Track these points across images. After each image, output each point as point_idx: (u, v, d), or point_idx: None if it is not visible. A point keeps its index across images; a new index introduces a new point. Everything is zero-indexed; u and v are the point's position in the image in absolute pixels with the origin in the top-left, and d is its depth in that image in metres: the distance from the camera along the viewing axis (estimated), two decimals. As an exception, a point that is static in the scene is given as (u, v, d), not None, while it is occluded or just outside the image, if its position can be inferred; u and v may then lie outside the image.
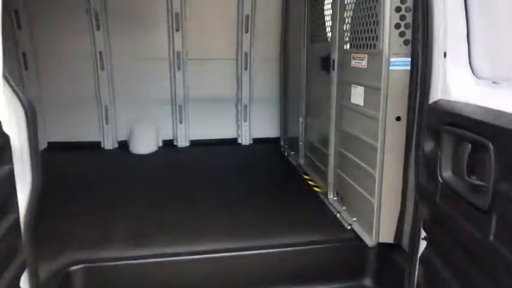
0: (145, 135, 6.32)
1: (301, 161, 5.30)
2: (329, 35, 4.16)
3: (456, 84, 2.27)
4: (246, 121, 6.62)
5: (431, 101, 2.58)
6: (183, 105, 6.38)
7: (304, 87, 5.05)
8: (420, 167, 2.40)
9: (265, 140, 6.68)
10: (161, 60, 6.17)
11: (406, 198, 3.03)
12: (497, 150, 1.66)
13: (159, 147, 6.39)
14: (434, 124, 2.25)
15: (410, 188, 2.95)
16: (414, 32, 2.71)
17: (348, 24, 3.59)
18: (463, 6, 2.18)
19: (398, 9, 2.77)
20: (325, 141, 4.35)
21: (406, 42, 2.79)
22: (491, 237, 1.69)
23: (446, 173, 2.12)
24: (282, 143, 6.38)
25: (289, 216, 3.89)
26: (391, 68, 2.84)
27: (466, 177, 1.85)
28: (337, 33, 3.79)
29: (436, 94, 2.48)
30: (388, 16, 2.79)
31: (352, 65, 3.51)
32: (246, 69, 6.36)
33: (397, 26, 2.79)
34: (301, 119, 5.19)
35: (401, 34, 2.79)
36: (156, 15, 5.97)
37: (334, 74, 3.90)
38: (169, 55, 6.14)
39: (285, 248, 3.38)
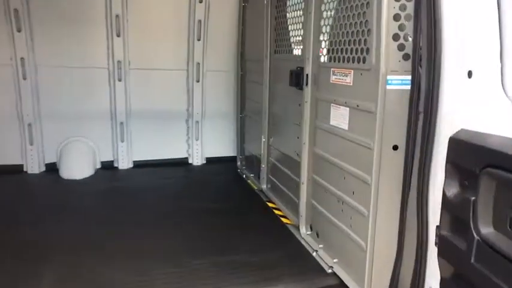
0: (79, 157, 5.38)
1: (264, 186, 4.71)
2: (299, 46, 3.64)
3: (485, 110, 1.81)
4: (197, 139, 5.92)
5: (440, 127, 2.14)
6: (124, 122, 5.54)
7: (266, 104, 4.49)
8: (443, 213, 1.90)
9: (220, 160, 6.02)
10: (98, 69, 5.30)
11: (403, 242, 2.54)
12: None
13: (97, 171, 5.48)
14: (464, 163, 1.76)
15: (408, 232, 2.47)
16: (415, 45, 2.24)
17: (325, 34, 3.08)
18: (497, 15, 1.73)
19: (397, 18, 2.30)
20: (294, 166, 3.81)
21: (405, 57, 2.31)
22: None
23: (486, 229, 1.63)
24: (238, 163, 5.76)
25: (254, 256, 3.28)
26: (388, 87, 2.35)
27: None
28: (311, 44, 3.28)
29: (452, 121, 2.03)
30: (384, 25, 2.30)
31: (331, 81, 3.00)
32: (197, 81, 5.68)
33: (396, 37, 2.31)
34: (263, 139, 4.62)
35: (401, 47, 2.32)
36: (92, 16, 5.10)
37: (308, 90, 3.37)
38: (108, 64, 5.29)
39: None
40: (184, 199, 4.60)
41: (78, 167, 5.30)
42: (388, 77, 2.33)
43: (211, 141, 5.98)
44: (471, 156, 1.71)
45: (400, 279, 2.62)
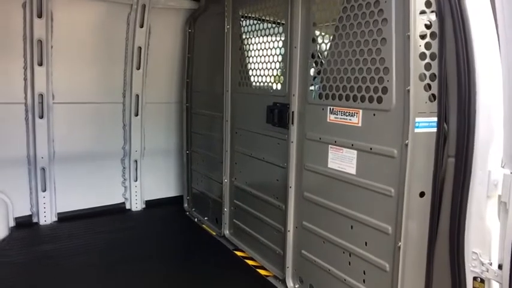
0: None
1: (227, 232, 4.23)
2: (277, 79, 3.34)
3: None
4: (136, 180, 5.19)
5: (476, 171, 2.01)
6: (47, 167, 4.59)
7: (228, 140, 4.07)
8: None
9: (163, 202, 5.35)
10: (12, 104, 4.33)
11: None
12: None
13: (11, 230, 4.39)
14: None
15: (437, 284, 2.28)
16: (441, 84, 2.11)
17: (318, 68, 2.82)
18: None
19: (422, 57, 2.13)
20: (273, 211, 3.44)
21: (432, 98, 2.15)
22: None
23: None
24: (186, 204, 5.17)
25: None
26: (416, 130, 2.16)
27: None
28: (297, 79, 3.00)
29: (494, 164, 1.92)
30: (413, 65, 2.12)
31: (329, 121, 2.74)
32: (136, 115, 5.00)
33: (422, 77, 2.14)
34: (225, 180, 4.16)
35: (427, 88, 2.15)
36: (6, 41, 4.15)
37: (294, 129, 3.07)
38: (25, 98, 4.34)
39: None
40: (127, 258, 3.76)
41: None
42: (416, 120, 2.15)
43: (152, 182, 5.29)
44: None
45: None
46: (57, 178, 4.69)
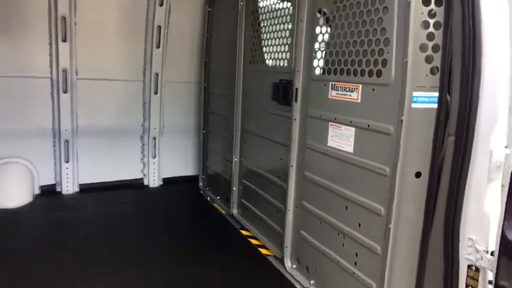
0: (12, 182, 4.52)
1: (235, 211, 4.23)
2: (283, 55, 3.26)
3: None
4: (154, 157, 5.30)
5: (477, 151, 1.86)
6: (70, 139, 4.79)
7: (239, 119, 4.05)
8: (502, 260, 1.57)
9: (179, 180, 5.43)
10: (39, 79, 4.53)
11: (423, 284, 2.20)
12: None
13: (35, 197, 4.64)
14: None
15: (428, 273, 2.15)
16: (445, 56, 1.95)
17: (322, 43, 2.73)
18: None
19: (425, 25, 1.99)
20: (276, 191, 3.40)
21: (433, 71, 2.01)
22: None
23: None
24: (201, 183, 5.22)
25: None
26: (413, 105, 2.03)
27: None
28: (302, 55, 2.91)
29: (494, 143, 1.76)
30: (412, 34, 1.98)
31: (330, 97, 2.65)
32: (155, 93, 5.09)
33: (423, 48, 2.00)
34: (235, 159, 4.15)
35: (428, 59, 2.01)
36: (32, 17, 4.34)
37: (297, 106, 2.99)
38: (51, 73, 4.53)
39: None
40: (141, 230, 3.94)
41: (12, 194, 4.45)
42: (414, 94, 2.01)
43: (170, 160, 5.38)
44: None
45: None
46: (79, 151, 4.88)
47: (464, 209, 1.97)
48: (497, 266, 1.63)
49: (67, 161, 4.84)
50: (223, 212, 4.47)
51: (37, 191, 4.73)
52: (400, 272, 2.21)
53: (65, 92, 4.62)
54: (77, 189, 4.94)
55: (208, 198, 4.93)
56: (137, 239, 3.71)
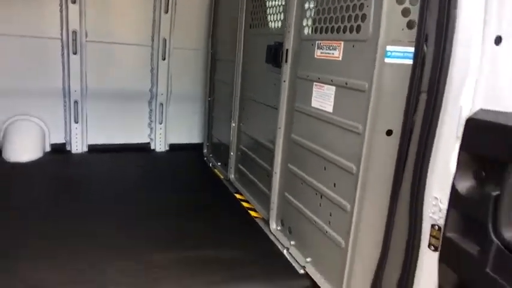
0: (25, 138, 4.76)
1: (232, 176, 4.30)
2: (278, 17, 3.23)
3: None
4: (161, 123, 5.41)
5: (447, 108, 1.81)
6: (79, 100, 4.95)
7: (238, 84, 4.07)
8: (451, 211, 1.56)
9: (185, 147, 5.54)
10: (49, 40, 4.68)
11: (390, 245, 2.20)
12: None
13: (45, 154, 4.88)
14: (485, 149, 1.42)
15: (397, 231, 2.14)
16: (423, 8, 1.89)
17: (311, 2, 2.69)
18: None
19: (401, -24, 1.93)
20: (267, 155, 3.42)
21: (410, 25, 1.95)
22: None
23: (510, 232, 1.29)
24: (205, 150, 5.31)
25: (220, 252, 2.89)
26: (386, 60, 1.99)
27: None
28: (293, 15, 2.88)
29: (464, 101, 1.70)
30: (387, -15, 1.93)
31: (316, 56, 2.62)
32: (163, 59, 5.16)
33: (400, 0, 1.94)
34: (233, 124, 4.19)
35: (405, 12, 1.95)
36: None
37: (287, 68, 2.98)
38: (61, 34, 4.67)
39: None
40: (145, 189, 4.11)
41: (25, 148, 4.69)
42: (388, 48, 1.97)
43: (176, 126, 5.49)
44: (497, 141, 1.37)
45: (383, 285, 2.30)
46: (88, 112, 5.05)
47: (431, 167, 1.93)
48: (446, 217, 1.61)
49: (76, 122, 5.02)
50: (222, 177, 4.55)
51: (48, 149, 4.96)
52: (367, 230, 2.22)
53: (75, 53, 4.76)
54: (85, 149, 5.13)
55: (211, 164, 5.02)
56: (141, 195, 3.91)
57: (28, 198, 3.66)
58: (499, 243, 1.32)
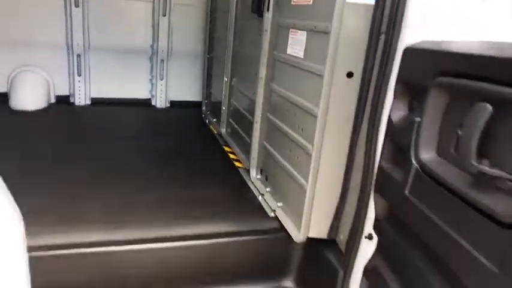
0: (31, 88, 4.96)
1: (223, 130, 4.40)
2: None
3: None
4: (162, 79, 5.52)
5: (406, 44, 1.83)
6: (82, 54, 5.09)
7: (231, 39, 4.09)
8: (386, 142, 1.61)
9: (186, 104, 5.65)
10: (53, -9, 4.79)
11: (349, 184, 2.28)
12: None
13: (50, 104, 5.10)
14: (414, 76, 1.46)
15: (356, 170, 2.21)
16: None
17: None
18: None
19: None
20: (252, 107, 3.48)
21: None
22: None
23: (428, 154, 1.35)
24: (204, 108, 5.41)
25: (201, 198, 3.03)
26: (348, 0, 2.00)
27: (475, 163, 1.07)
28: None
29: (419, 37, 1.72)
30: None
31: (292, 3, 2.63)
32: (164, 15, 5.21)
33: None
34: (225, 79, 4.26)
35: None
36: None
37: (268, 16, 3.00)
38: (63, -15, 4.78)
39: (188, 241, 2.53)
40: (142, 138, 4.31)
41: (31, 98, 4.91)
42: (349, -13, 1.98)
43: (177, 83, 5.59)
44: (423, 66, 1.40)
45: (341, 224, 2.40)
46: (91, 66, 5.19)
47: (386, 107, 1.97)
48: (382, 148, 1.67)
49: (79, 75, 5.18)
50: (216, 133, 4.67)
51: (52, 100, 5.16)
52: (327, 170, 2.30)
53: (77, 6, 4.85)
54: (88, 102, 5.31)
55: (207, 121, 5.12)
56: (136, 143, 4.10)
57: (35, 144, 3.86)
58: (418, 166, 1.37)
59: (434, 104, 1.29)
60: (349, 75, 2.13)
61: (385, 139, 1.65)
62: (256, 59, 3.36)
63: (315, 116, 2.32)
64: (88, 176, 3.17)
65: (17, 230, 1.30)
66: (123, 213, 2.69)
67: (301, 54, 2.51)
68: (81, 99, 5.26)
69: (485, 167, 1.04)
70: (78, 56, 5.09)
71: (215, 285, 2.57)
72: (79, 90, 5.24)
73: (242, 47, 3.84)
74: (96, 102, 5.33)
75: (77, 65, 5.13)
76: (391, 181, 1.54)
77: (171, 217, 2.71)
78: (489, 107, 1.02)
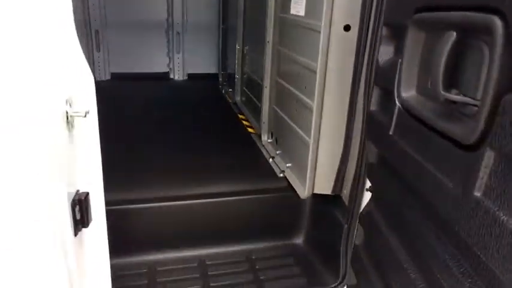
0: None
1: (238, 99, 4.47)
2: None
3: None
4: (179, 52, 5.60)
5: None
6: (100, 30, 5.23)
7: (242, 6, 4.10)
8: (374, 88, 1.63)
9: (203, 76, 5.73)
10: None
11: (351, 139, 2.31)
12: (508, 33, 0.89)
13: (72, 81, 5.30)
14: (396, 17, 1.46)
15: (357, 124, 2.23)
16: None
17: None
18: None
19: None
20: (260, 71, 3.52)
21: None
22: (477, 191, 0.98)
23: (408, 92, 1.37)
24: (220, 79, 5.48)
25: (218, 162, 3.13)
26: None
27: (442, 91, 1.09)
28: None
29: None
30: None
31: (293, -39, 2.62)
32: (178, -13, 5.25)
33: None
34: (237, 47, 4.29)
35: None
36: None
37: (272, -23, 2.99)
38: (79, -39, 4.88)
39: (208, 199, 2.65)
40: (161, 110, 4.44)
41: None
42: None
43: (194, 56, 5.66)
44: (402, 6, 1.40)
45: (345, 180, 2.44)
46: (110, 42, 5.34)
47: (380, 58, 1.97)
48: (371, 95, 1.69)
49: (98, 50, 5.34)
50: (230, 101, 4.74)
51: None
52: (329, 125, 2.33)
53: (93, -18, 4.97)
54: (108, 77, 5.48)
55: (223, 91, 5.20)
56: (156, 115, 4.24)
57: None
58: (400, 105, 1.39)
59: (413, 42, 1.30)
60: (347, 28, 2.12)
61: (374, 85, 1.66)
62: (264, 24, 3.37)
63: (314, 72, 2.33)
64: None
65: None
66: (152, 176, 2.83)
67: (302, 13, 2.51)
68: (101, 74, 5.44)
69: (452, 95, 1.06)
70: (96, 31, 5.24)
71: (231, 241, 2.66)
72: (99, 66, 5.41)
73: (252, 14, 3.84)
74: (116, 77, 5.49)
75: (96, 40, 5.28)
76: (378, 125, 1.56)
77: (192, 178, 2.83)
78: (453, 34, 1.03)
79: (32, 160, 1.23)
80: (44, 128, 1.19)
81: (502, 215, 0.89)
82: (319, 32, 2.23)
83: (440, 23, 1.12)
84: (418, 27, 1.28)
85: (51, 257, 1.39)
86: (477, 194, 0.96)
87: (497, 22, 0.87)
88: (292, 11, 2.68)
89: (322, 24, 2.13)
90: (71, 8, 1.40)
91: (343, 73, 2.19)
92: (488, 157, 0.92)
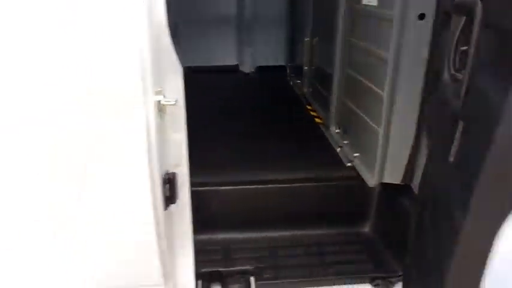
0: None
1: (305, 90, 4.55)
2: None
3: None
4: (248, 46, 5.78)
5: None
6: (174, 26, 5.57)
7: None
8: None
9: (272, 69, 5.87)
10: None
11: (423, 128, 2.30)
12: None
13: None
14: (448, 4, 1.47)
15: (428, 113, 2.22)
16: None
17: None
18: None
19: None
20: (330, 62, 3.56)
21: None
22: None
23: (444, 76, 1.40)
24: (288, 71, 5.58)
25: (288, 151, 3.25)
26: None
27: (452, 70, 1.13)
28: None
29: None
30: None
31: (366, -49, 2.63)
32: (249, -18, 5.41)
33: None
34: (306, 39, 4.35)
35: None
36: None
37: (344, -32, 3.01)
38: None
39: (267, 184, 2.78)
40: (234, 101, 4.64)
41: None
42: None
43: (263, 49, 5.80)
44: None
45: (416, 169, 2.43)
46: (182, 36, 5.65)
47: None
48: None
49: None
50: (299, 93, 4.83)
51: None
52: (400, 115, 2.34)
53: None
54: (180, 70, 5.82)
55: (292, 83, 5.30)
56: (225, 106, 4.45)
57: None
58: (448, 78, 1.41)
59: (454, 27, 1.32)
60: (421, 17, 2.11)
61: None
62: (335, 14, 3.41)
63: (386, 62, 2.35)
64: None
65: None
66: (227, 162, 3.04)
67: (374, 2, 2.52)
68: (175, 68, 5.78)
69: (457, 74, 1.09)
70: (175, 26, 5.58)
71: (300, 226, 2.77)
72: (174, 60, 5.75)
73: (322, 5, 3.88)
74: (189, 70, 5.78)
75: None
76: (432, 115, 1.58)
77: (266, 165, 2.99)
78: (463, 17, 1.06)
79: (135, 142, 1.47)
80: (142, 115, 1.41)
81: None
82: (392, 21, 2.24)
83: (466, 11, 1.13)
84: (458, 12, 1.30)
85: (149, 222, 1.61)
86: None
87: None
88: (364, 1, 2.69)
89: (396, 13, 2.14)
90: (165, 8, 1.60)
91: (416, 63, 2.19)
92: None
